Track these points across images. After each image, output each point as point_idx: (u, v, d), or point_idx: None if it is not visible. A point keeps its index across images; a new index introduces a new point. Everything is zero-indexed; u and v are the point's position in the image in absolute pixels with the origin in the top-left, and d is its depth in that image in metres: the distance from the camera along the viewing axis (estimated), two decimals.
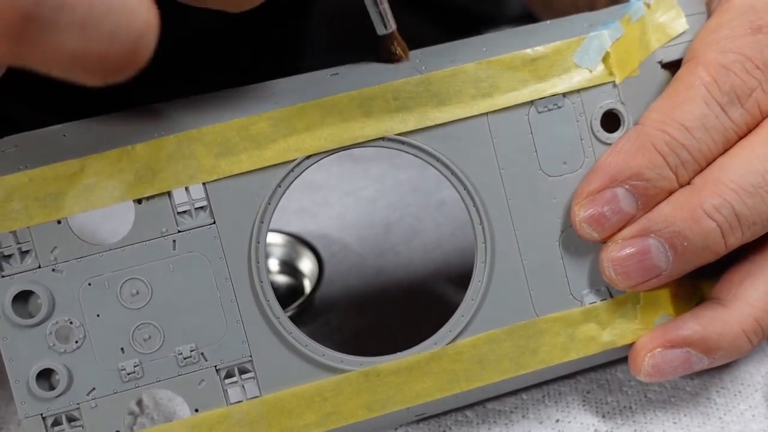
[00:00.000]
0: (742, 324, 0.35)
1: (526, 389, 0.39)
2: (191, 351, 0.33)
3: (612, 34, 0.35)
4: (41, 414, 0.32)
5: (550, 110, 0.35)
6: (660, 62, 0.37)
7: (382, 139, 0.34)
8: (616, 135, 0.35)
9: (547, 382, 0.39)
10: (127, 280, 0.32)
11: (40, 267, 0.32)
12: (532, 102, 0.35)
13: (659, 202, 0.34)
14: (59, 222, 0.32)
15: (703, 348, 0.35)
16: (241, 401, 0.34)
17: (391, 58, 0.34)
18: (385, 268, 0.47)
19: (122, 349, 0.33)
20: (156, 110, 0.33)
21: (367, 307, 0.45)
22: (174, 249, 0.33)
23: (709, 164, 0.34)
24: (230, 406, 0.34)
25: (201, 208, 0.33)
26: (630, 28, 0.36)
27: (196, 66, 0.59)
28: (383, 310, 0.45)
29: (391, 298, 0.46)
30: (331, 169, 0.54)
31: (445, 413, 0.38)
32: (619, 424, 0.37)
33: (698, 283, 0.37)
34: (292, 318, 0.34)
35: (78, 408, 0.33)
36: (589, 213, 0.34)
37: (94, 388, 0.33)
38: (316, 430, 0.34)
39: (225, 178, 0.33)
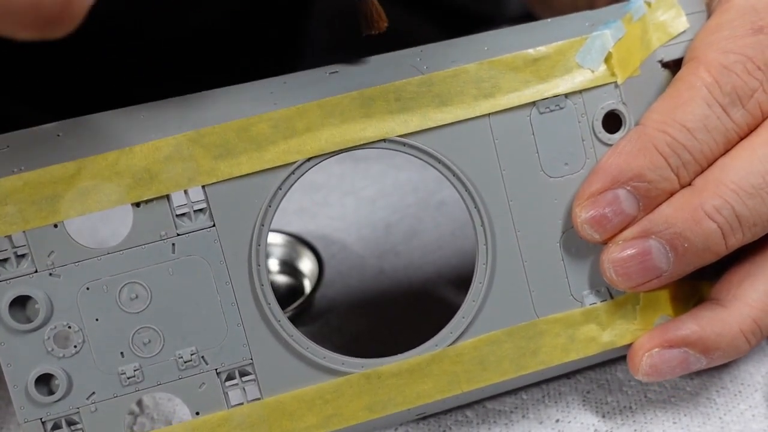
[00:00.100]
0: (740, 324, 0.35)
1: (526, 389, 0.39)
2: (191, 354, 0.33)
3: (614, 34, 0.35)
4: (40, 418, 0.32)
5: (552, 111, 0.35)
6: (660, 61, 0.37)
7: (384, 140, 0.34)
8: (617, 136, 0.35)
9: (547, 382, 0.39)
10: (126, 284, 0.32)
11: (36, 271, 0.32)
12: (534, 103, 0.35)
13: (660, 203, 0.34)
14: (56, 226, 0.32)
15: (701, 348, 0.35)
16: (242, 404, 0.34)
17: (367, 23, 0.33)
18: (385, 269, 0.47)
19: (122, 353, 0.33)
20: (154, 110, 0.33)
21: (367, 308, 0.45)
22: (173, 252, 0.33)
23: (710, 165, 0.34)
24: (231, 408, 0.33)
25: (200, 210, 0.33)
26: (631, 28, 0.36)
27: (196, 66, 0.59)
28: (383, 311, 0.45)
29: (391, 298, 0.45)
30: (331, 169, 0.54)
31: (445, 413, 0.38)
32: (619, 424, 0.37)
33: (698, 284, 0.37)
34: (291, 318, 0.34)
35: (78, 412, 0.33)
36: (590, 214, 0.34)
37: (93, 393, 0.33)
38: None
39: (224, 180, 0.33)
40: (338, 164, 0.54)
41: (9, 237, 0.31)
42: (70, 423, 0.33)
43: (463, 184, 0.34)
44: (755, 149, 0.34)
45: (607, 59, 0.35)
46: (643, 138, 0.34)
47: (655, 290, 0.35)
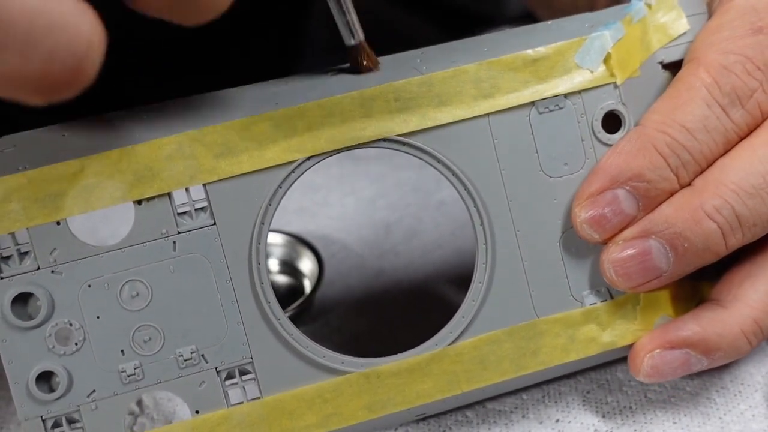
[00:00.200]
0: (741, 325, 0.35)
1: (526, 389, 0.39)
2: (192, 353, 0.33)
3: (613, 35, 0.35)
4: (41, 416, 0.32)
5: (551, 111, 0.35)
6: (661, 63, 0.37)
7: (383, 140, 0.34)
8: (616, 136, 0.35)
9: (547, 382, 0.39)
10: (127, 282, 0.32)
11: (39, 268, 0.32)
12: (533, 103, 0.35)
13: (660, 203, 0.34)
14: (58, 223, 0.32)
15: (702, 349, 0.35)
16: (242, 402, 0.34)
17: (359, 68, 0.34)
18: (385, 269, 0.47)
19: (122, 351, 0.33)
20: (156, 110, 0.33)
21: (367, 308, 0.45)
22: (174, 250, 0.33)
23: (709, 165, 0.34)
24: (231, 407, 0.34)
25: (201, 209, 0.33)
26: (631, 29, 0.36)
27: (196, 66, 0.59)
28: (383, 311, 0.45)
29: (391, 298, 0.46)
30: (331, 169, 0.54)
31: (445, 413, 0.38)
32: (619, 424, 0.37)
33: (698, 284, 0.37)
34: (291, 318, 0.34)
35: (78, 410, 0.33)
36: (590, 214, 0.34)
37: (94, 390, 0.33)
38: (317, 431, 0.34)
39: (225, 179, 0.33)
40: (338, 164, 0.54)
41: (12, 234, 0.32)
42: (71, 421, 0.33)
43: (463, 183, 0.34)
44: (755, 149, 0.34)
45: (606, 60, 0.35)
46: (642, 138, 0.34)
47: (655, 290, 0.35)
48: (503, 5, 0.67)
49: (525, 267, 0.35)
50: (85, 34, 0.23)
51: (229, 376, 0.34)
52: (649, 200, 0.34)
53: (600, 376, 0.39)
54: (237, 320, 0.33)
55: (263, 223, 0.33)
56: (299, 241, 0.48)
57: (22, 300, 0.32)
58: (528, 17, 0.62)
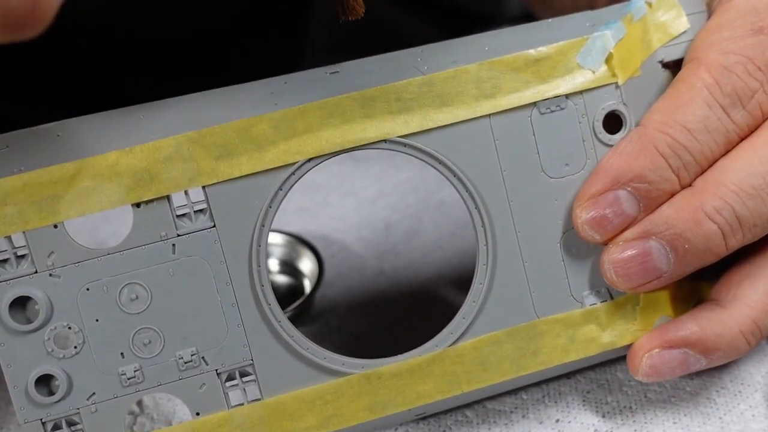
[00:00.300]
0: (740, 325, 0.35)
1: (526, 389, 0.39)
2: (192, 355, 0.33)
3: (615, 35, 0.35)
4: (41, 419, 0.32)
5: (552, 112, 0.35)
6: (661, 62, 0.37)
7: (384, 141, 0.34)
8: (617, 136, 0.35)
9: (547, 382, 0.39)
10: (126, 285, 0.32)
11: (36, 272, 0.32)
12: (534, 103, 0.35)
13: (661, 204, 0.34)
14: (56, 226, 0.32)
15: (701, 349, 0.35)
16: (243, 404, 0.34)
17: (344, 11, 0.33)
18: (385, 269, 0.47)
19: (122, 353, 0.33)
20: (154, 110, 0.33)
21: (367, 308, 0.45)
22: (173, 253, 0.33)
23: (710, 166, 0.34)
24: (231, 409, 0.33)
25: (201, 211, 0.33)
26: (632, 28, 0.35)
27: (196, 66, 0.59)
28: (383, 311, 0.45)
29: (392, 298, 0.45)
30: (331, 169, 0.54)
31: (445, 413, 0.38)
32: (619, 424, 0.37)
33: (697, 284, 0.37)
34: (291, 318, 0.34)
35: (78, 413, 0.32)
36: (591, 215, 0.34)
37: (94, 393, 0.33)
38: None
39: (225, 181, 0.33)
40: (338, 164, 0.54)
41: (9, 237, 0.31)
42: (71, 423, 0.33)
43: (464, 184, 0.34)
44: (755, 150, 0.34)
45: (608, 60, 0.35)
46: (643, 139, 0.34)
47: (655, 291, 0.35)
48: (503, 5, 0.67)
49: (525, 267, 0.35)
50: None
51: (230, 378, 0.34)
52: (650, 201, 0.34)
53: (600, 376, 0.39)
54: (237, 322, 0.33)
55: (263, 226, 0.33)
56: (299, 241, 0.48)
57: (20, 304, 0.32)
58: (528, 17, 0.62)
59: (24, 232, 0.31)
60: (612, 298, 0.36)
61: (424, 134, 0.34)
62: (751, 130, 0.35)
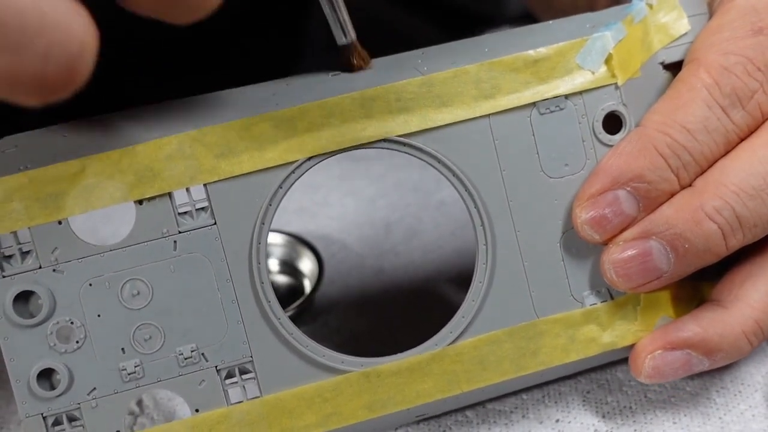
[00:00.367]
0: (742, 325, 0.35)
1: (526, 389, 0.39)
2: (192, 351, 0.33)
3: (615, 36, 0.35)
4: (42, 413, 0.32)
5: (552, 112, 0.35)
6: (662, 63, 0.37)
7: (384, 140, 0.34)
8: (617, 137, 0.35)
9: (547, 382, 0.39)
10: (127, 281, 0.32)
11: (41, 267, 0.32)
12: (534, 104, 0.35)
13: (660, 204, 0.34)
14: (60, 222, 0.32)
15: (703, 350, 0.35)
16: (242, 401, 0.34)
17: (351, 67, 0.34)
18: (385, 268, 0.47)
19: (123, 349, 0.33)
20: (156, 110, 0.33)
21: (367, 308, 0.45)
22: (175, 250, 0.33)
23: (710, 166, 0.34)
24: (231, 406, 0.34)
25: (202, 209, 0.33)
26: (632, 29, 0.36)
27: (196, 66, 0.59)
28: (383, 311, 0.45)
29: (391, 298, 0.46)
30: (331, 168, 0.54)
31: (445, 413, 0.38)
32: (619, 424, 0.37)
33: (699, 284, 0.37)
34: (291, 318, 0.34)
35: (78, 408, 0.33)
36: (590, 215, 0.34)
37: (94, 388, 0.33)
38: (317, 430, 0.34)
39: (226, 179, 0.33)
40: (338, 164, 0.54)
41: (14, 233, 0.32)
42: (71, 418, 0.33)
43: (463, 184, 0.34)
44: (755, 150, 0.34)
45: (608, 60, 0.35)
46: (643, 139, 0.34)
47: (655, 291, 0.35)
48: (503, 5, 0.67)
49: (525, 267, 0.35)
50: (78, 33, 0.23)
51: (229, 375, 0.34)
52: (650, 201, 0.34)
53: (600, 376, 0.39)
54: (237, 319, 0.33)
55: (263, 223, 0.33)
56: (299, 241, 0.48)
57: (23, 298, 0.32)
58: (528, 17, 0.62)
59: (29, 228, 0.32)
60: (612, 298, 0.36)
61: (423, 134, 0.34)
62: (751, 131, 0.35)
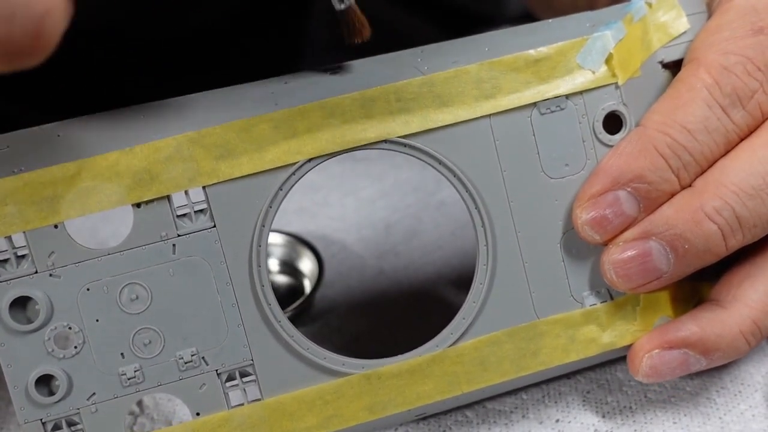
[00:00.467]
0: (740, 325, 0.35)
1: (526, 389, 0.39)
2: (192, 355, 0.33)
3: (615, 35, 0.35)
4: (41, 419, 0.32)
5: (552, 112, 0.35)
6: (661, 62, 0.37)
7: (385, 141, 0.34)
8: (617, 137, 0.35)
9: (547, 382, 0.39)
10: (126, 285, 0.32)
11: (37, 272, 0.32)
12: (534, 104, 0.35)
13: (661, 204, 0.34)
14: (56, 226, 0.32)
15: (701, 349, 0.35)
16: (243, 404, 0.34)
17: (350, 34, 0.33)
18: (385, 269, 0.47)
19: (122, 354, 0.33)
20: (153, 110, 0.33)
21: (367, 308, 0.45)
22: (174, 253, 0.33)
23: (710, 166, 0.34)
24: (231, 409, 0.33)
25: (201, 211, 0.33)
26: (632, 28, 0.36)
27: (196, 66, 0.59)
28: (383, 311, 0.45)
29: (392, 298, 0.46)
30: (331, 169, 0.54)
31: (445, 413, 0.38)
32: (619, 424, 0.37)
33: (697, 285, 0.37)
34: (291, 318, 0.34)
35: (78, 413, 0.32)
36: (591, 215, 0.34)
37: (94, 393, 0.33)
38: None
39: (225, 181, 0.33)
40: (338, 164, 0.54)
41: (9, 238, 0.31)
42: (71, 424, 0.33)
43: (464, 184, 0.34)
44: (755, 150, 0.34)
45: (608, 60, 0.35)
46: (643, 139, 0.34)
47: (655, 291, 0.35)
48: (503, 5, 0.67)
49: (526, 268, 0.35)
50: None
51: (230, 378, 0.34)
52: (650, 201, 0.34)
53: (600, 376, 0.40)
54: (237, 322, 0.33)
55: (264, 226, 0.33)
56: (299, 241, 0.48)
57: (20, 304, 0.32)
58: (528, 17, 0.62)
59: (24, 232, 0.31)
60: (612, 298, 0.36)
61: (424, 134, 0.34)
62: (751, 131, 0.35)
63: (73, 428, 0.33)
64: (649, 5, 0.36)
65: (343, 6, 0.33)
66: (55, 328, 0.32)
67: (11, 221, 0.31)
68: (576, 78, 0.35)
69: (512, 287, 0.35)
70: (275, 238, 0.48)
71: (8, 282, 0.32)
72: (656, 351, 0.35)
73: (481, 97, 0.34)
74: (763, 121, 0.35)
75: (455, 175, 0.34)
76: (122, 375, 0.33)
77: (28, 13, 0.22)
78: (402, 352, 0.35)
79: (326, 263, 0.47)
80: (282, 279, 0.48)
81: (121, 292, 0.32)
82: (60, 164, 0.31)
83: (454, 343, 0.35)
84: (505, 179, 0.35)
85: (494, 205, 0.35)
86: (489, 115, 0.34)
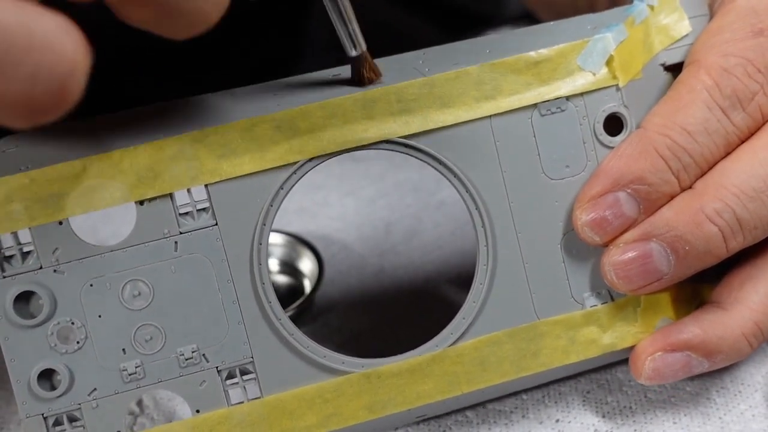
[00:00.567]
0: (742, 327, 0.35)
1: (526, 389, 0.39)
2: (193, 352, 0.33)
3: (616, 37, 0.35)
4: (42, 414, 0.32)
5: (553, 113, 0.35)
6: (662, 65, 0.37)
7: (385, 141, 0.34)
8: (618, 138, 0.35)
9: (547, 382, 0.39)
10: (128, 281, 0.32)
11: (41, 268, 0.32)
12: (535, 105, 0.35)
13: (661, 206, 0.34)
14: (60, 223, 0.32)
15: (703, 351, 0.35)
16: (243, 402, 0.34)
17: (362, 80, 0.34)
18: (386, 268, 0.47)
19: (124, 349, 0.33)
20: (157, 111, 0.33)
21: (367, 308, 0.45)
22: (176, 250, 0.33)
23: (710, 168, 0.35)
24: (231, 407, 0.34)
25: (203, 209, 0.33)
26: (633, 31, 0.36)
27: (196, 66, 0.59)
28: (383, 310, 0.45)
29: (392, 298, 0.46)
30: (332, 169, 0.54)
31: (445, 413, 0.38)
32: (619, 424, 0.37)
33: (698, 286, 0.37)
34: (291, 318, 0.34)
35: (79, 408, 0.33)
36: (591, 217, 0.34)
37: (95, 389, 0.33)
38: (317, 431, 0.34)
39: (227, 180, 0.33)
40: (338, 164, 0.54)
41: (15, 234, 0.32)
42: (72, 419, 0.33)
43: (464, 185, 0.34)
44: (756, 152, 0.34)
45: (609, 62, 0.35)
46: (644, 141, 0.34)
47: (655, 293, 0.35)
48: (503, 5, 0.67)
49: (526, 269, 0.35)
50: (68, 54, 0.22)
51: (230, 376, 0.34)
52: (650, 203, 0.34)
53: (600, 376, 0.40)
54: (238, 320, 0.33)
55: (265, 224, 0.33)
56: (299, 241, 0.48)
57: (24, 299, 0.32)
58: (528, 17, 0.62)
59: (30, 229, 0.32)
60: (613, 299, 0.36)
61: (425, 135, 0.34)
62: (751, 133, 0.35)
63: (74, 423, 0.33)
64: (651, 8, 0.36)
65: (355, 53, 0.33)
66: (58, 323, 0.32)
67: (17, 218, 0.31)
68: (577, 80, 0.35)
69: (512, 288, 0.35)
70: (275, 238, 0.48)
71: (13, 277, 0.32)
72: (659, 354, 0.35)
73: (481, 98, 0.34)
74: (764, 123, 0.35)
75: (456, 175, 0.34)
76: (123, 371, 0.33)
77: (52, 72, 0.22)
78: (402, 351, 0.35)
79: (326, 263, 0.47)
80: (282, 279, 0.48)
81: (123, 288, 0.32)
82: (65, 162, 0.31)
83: (454, 342, 0.35)
84: (505, 180, 0.35)
85: (495, 206, 0.35)
86: (490, 116, 0.34)
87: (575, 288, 0.36)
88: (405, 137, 0.34)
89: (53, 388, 0.33)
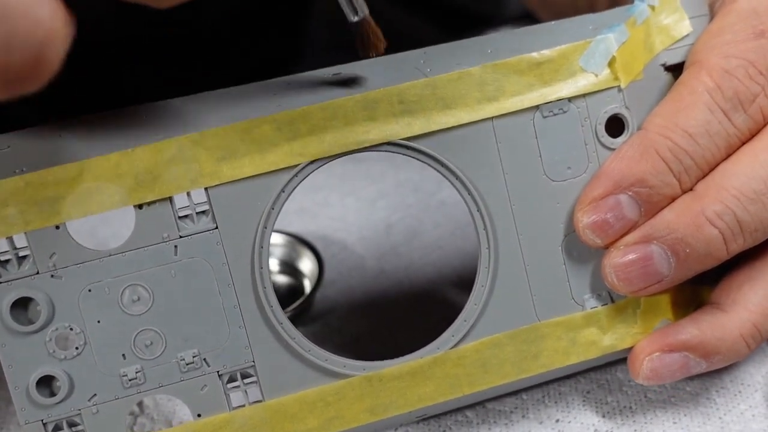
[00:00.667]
0: (740, 329, 0.35)
1: (526, 389, 0.39)
2: (193, 357, 0.33)
3: (618, 38, 0.35)
4: (42, 420, 0.32)
5: (555, 115, 0.35)
6: (663, 65, 0.37)
7: (387, 143, 0.34)
8: (620, 140, 0.35)
9: (547, 382, 0.39)
10: (128, 286, 0.32)
11: (38, 273, 0.32)
12: (537, 106, 0.34)
13: (662, 209, 0.34)
14: (57, 227, 0.31)
15: (701, 352, 0.35)
16: (244, 406, 0.34)
17: (365, 46, 0.33)
18: (386, 269, 0.47)
19: (123, 355, 0.33)
20: (156, 111, 0.33)
21: (367, 309, 0.45)
22: (176, 254, 0.32)
23: (711, 170, 0.34)
24: (233, 411, 0.33)
25: (203, 212, 0.33)
26: (635, 31, 0.35)
27: (196, 66, 0.59)
28: (384, 312, 0.45)
29: (392, 299, 0.46)
30: (332, 169, 0.54)
31: (445, 413, 0.38)
32: (619, 424, 0.37)
33: (698, 288, 0.37)
34: (291, 318, 0.34)
35: (79, 413, 0.32)
36: (592, 219, 0.34)
37: (95, 394, 0.32)
38: None
39: (227, 182, 0.32)
40: (339, 165, 0.54)
41: (10, 238, 0.31)
42: (72, 424, 0.33)
43: (466, 187, 0.34)
44: (757, 154, 0.34)
45: (611, 63, 0.35)
46: (645, 143, 0.34)
47: (655, 295, 0.35)
48: (503, 5, 0.67)
49: (527, 270, 0.35)
50: (45, 21, 0.22)
51: (231, 380, 0.34)
52: (651, 205, 0.34)
53: (600, 376, 0.40)
54: (239, 324, 0.33)
55: (266, 227, 0.33)
56: (299, 241, 0.48)
57: (21, 305, 0.32)
58: (528, 17, 0.62)
59: (26, 233, 0.31)
60: (613, 301, 0.36)
61: (426, 137, 0.34)
62: (753, 134, 0.35)
63: (74, 429, 0.33)
64: (652, 8, 0.36)
65: (356, 18, 0.33)
66: (57, 329, 0.32)
67: (12, 222, 0.31)
68: (579, 81, 0.35)
69: (513, 290, 0.35)
70: (275, 238, 0.48)
71: (9, 283, 0.31)
72: (657, 354, 0.35)
73: (483, 99, 0.34)
74: (765, 125, 0.35)
75: (457, 177, 0.34)
76: (123, 376, 0.33)
77: (28, 40, 0.22)
78: (403, 353, 0.35)
79: (327, 263, 0.47)
80: (282, 279, 0.48)
81: (122, 293, 0.32)
82: (62, 165, 0.31)
83: (456, 345, 0.35)
84: (507, 182, 0.35)
85: (496, 208, 0.35)
86: (491, 118, 0.34)
87: (576, 290, 0.36)
88: (407, 139, 0.34)
89: (53, 394, 0.32)
